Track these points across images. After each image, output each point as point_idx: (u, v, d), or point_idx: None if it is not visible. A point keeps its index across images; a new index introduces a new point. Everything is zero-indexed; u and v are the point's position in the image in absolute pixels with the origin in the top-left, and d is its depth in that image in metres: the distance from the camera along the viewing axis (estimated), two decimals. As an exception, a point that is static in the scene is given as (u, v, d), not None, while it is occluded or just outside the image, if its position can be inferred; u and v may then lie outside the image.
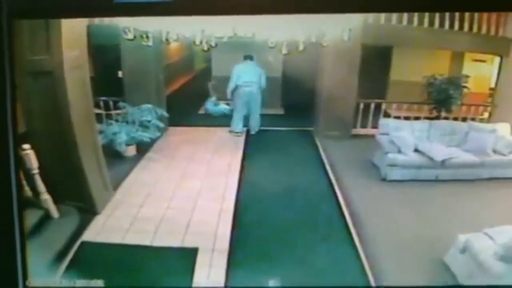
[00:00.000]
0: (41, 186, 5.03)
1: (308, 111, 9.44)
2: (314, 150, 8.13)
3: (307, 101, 9.74)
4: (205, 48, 6.73)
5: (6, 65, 1.83)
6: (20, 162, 4.45)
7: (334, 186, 6.37)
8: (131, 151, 7.61)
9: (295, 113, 10.86)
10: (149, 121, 7.76)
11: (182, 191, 6.20)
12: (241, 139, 8.76)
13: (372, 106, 8.77)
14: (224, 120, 10.40)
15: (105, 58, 9.91)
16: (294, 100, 11.34)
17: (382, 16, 8.65)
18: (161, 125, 7.91)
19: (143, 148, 7.79)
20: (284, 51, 6.55)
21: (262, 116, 10.90)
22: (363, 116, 8.80)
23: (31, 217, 4.78)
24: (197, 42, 6.46)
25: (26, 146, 4.75)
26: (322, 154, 7.88)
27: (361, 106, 8.77)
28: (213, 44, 6.72)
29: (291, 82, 11.54)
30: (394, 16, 8.73)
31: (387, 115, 8.97)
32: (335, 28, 7.02)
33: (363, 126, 8.80)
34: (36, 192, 5.05)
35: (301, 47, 6.69)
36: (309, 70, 10.10)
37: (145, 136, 7.51)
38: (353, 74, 8.27)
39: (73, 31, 4.91)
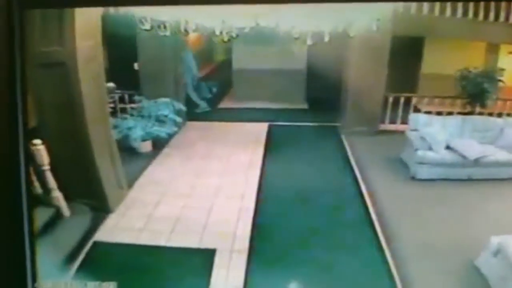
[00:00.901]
0: (52, 183, 5.03)
1: (334, 105, 9.44)
2: (340, 147, 8.07)
3: (333, 95, 9.69)
4: (226, 39, 6.66)
5: (17, 57, 1.78)
6: (30, 157, 4.51)
7: (360, 185, 6.31)
8: (146, 147, 7.63)
9: (320, 107, 10.81)
10: (165, 116, 7.75)
11: (199, 189, 6.17)
12: (263, 135, 8.71)
13: (402, 100, 8.69)
14: (245, 114, 10.40)
15: (120, 50, 9.98)
16: (319, 94, 11.31)
17: (413, 5, 8.52)
18: (179, 119, 7.90)
19: (159, 144, 7.81)
20: (309, 42, 6.43)
21: (286, 110, 10.93)
22: (391, 111, 8.77)
23: (41, 216, 4.77)
24: (217, 33, 6.37)
25: (36, 141, 4.74)
26: (348, 150, 7.82)
27: (390, 100, 8.73)
28: (234, 35, 6.63)
29: (316, 75, 11.51)
30: (426, 5, 8.60)
31: (417, 110, 8.88)
32: (363, 17, 6.87)
33: (392, 121, 8.80)
34: (46, 189, 5.05)
35: (326, 38, 6.57)
36: (335, 62, 10.03)
37: (162, 131, 7.50)
38: (382, 67, 8.20)
39: (87, 21, 4.87)
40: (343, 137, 8.52)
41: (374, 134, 8.55)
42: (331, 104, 9.71)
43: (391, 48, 8.11)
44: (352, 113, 8.57)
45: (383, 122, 8.77)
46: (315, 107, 11.10)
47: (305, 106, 11.45)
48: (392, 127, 8.74)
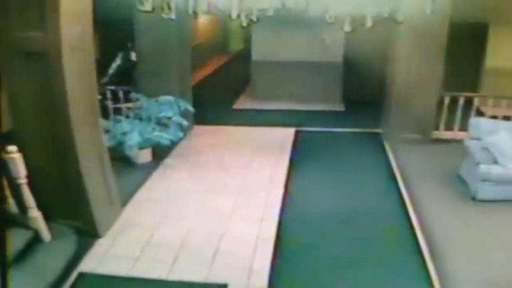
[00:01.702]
0: (29, 199, 5.00)
1: (376, 107, 9.46)
2: (383, 158, 8.05)
3: (376, 94, 9.70)
4: (244, 24, 6.66)
5: None
6: (4, 168, 4.48)
7: (408, 206, 6.24)
8: (145, 156, 7.69)
9: (359, 109, 10.83)
10: (169, 118, 7.78)
11: (209, 210, 6.15)
12: (288, 143, 8.73)
13: (461, 101, 8.61)
14: (266, 117, 10.44)
15: (114, 36, 10.11)
16: (359, 93, 11.33)
17: None
18: (185, 123, 7.91)
19: (160, 153, 7.88)
20: (347, 28, 6.40)
21: (317, 113, 10.95)
22: (448, 115, 8.71)
23: (16, 240, 4.72)
24: (234, 16, 6.38)
25: (11, 148, 4.72)
26: (392, 163, 7.79)
27: (446, 101, 8.67)
28: (254, 19, 6.64)
29: (355, 70, 11.54)
30: None
31: (480, 113, 8.86)
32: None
33: (448, 127, 8.76)
34: (23, 208, 5.04)
35: (369, 23, 6.50)
36: (379, 54, 10.03)
37: (164, 137, 7.51)
38: (438, 60, 8.14)
39: (74, 2, 4.85)
40: (387, 146, 8.52)
41: (426, 143, 8.54)
42: (372, 106, 9.75)
43: (449, 37, 8.06)
44: (399, 117, 8.57)
45: (437, 128, 8.75)
46: (353, 109, 11.15)
47: (341, 107, 11.50)
48: (448, 134, 8.74)
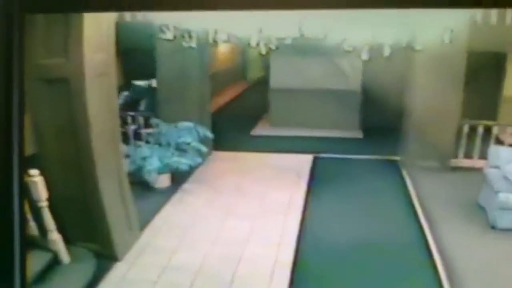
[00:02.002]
0: (50, 222, 5.04)
1: (395, 134, 9.36)
2: (401, 186, 7.97)
3: (393, 122, 9.63)
4: (263, 52, 6.74)
5: (15, 70, 1.78)
6: (26, 191, 4.52)
7: (426, 235, 6.15)
8: (163, 181, 7.71)
9: (377, 137, 10.77)
10: (188, 144, 7.83)
11: (226, 235, 6.14)
12: (305, 169, 8.69)
13: (480, 129, 8.56)
14: (284, 144, 10.43)
15: (136, 64, 10.26)
16: (376, 121, 11.27)
17: (494, 14, 8.48)
18: (204, 148, 7.98)
19: (179, 178, 7.89)
20: (365, 56, 6.43)
21: (335, 140, 10.92)
22: (467, 143, 8.64)
23: (36, 262, 4.77)
24: (253, 44, 6.46)
25: (33, 171, 4.79)
26: (411, 191, 7.71)
27: (465, 129, 8.61)
28: (273, 47, 6.70)
29: (373, 97, 11.49)
30: (510, 13, 8.49)
31: (499, 142, 8.75)
32: (433, 28, 6.85)
33: (467, 155, 8.67)
34: (43, 230, 5.08)
35: (387, 52, 6.54)
36: (397, 82, 10.00)
37: (183, 162, 7.54)
38: (456, 88, 8.10)
39: (98, 30, 4.98)
40: (405, 174, 8.45)
41: (445, 171, 8.46)
42: (390, 133, 9.66)
43: (467, 66, 8.05)
44: (417, 145, 8.50)
45: (456, 156, 8.66)
46: (371, 136, 11.10)
47: (358, 135, 11.44)
48: (467, 162, 8.64)
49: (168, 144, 7.82)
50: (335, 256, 5.64)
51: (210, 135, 8.44)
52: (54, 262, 5.03)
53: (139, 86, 10.44)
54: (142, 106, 9.98)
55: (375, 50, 6.87)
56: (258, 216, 6.68)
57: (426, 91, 8.25)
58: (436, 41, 6.70)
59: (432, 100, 8.20)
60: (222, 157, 9.41)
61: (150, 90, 10.26)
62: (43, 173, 4.83)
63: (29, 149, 4.93)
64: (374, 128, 11.20)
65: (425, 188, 7.67)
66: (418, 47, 7.27)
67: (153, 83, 9.55)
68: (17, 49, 1.69)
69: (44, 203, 4.91)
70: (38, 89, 4.85)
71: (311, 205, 7.08)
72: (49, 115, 4.97)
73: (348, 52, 7.02)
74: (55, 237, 5.07)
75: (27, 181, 4.63)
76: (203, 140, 8.09)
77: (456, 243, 5.89)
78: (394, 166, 8.89)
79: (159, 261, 5.44)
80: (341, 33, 6.83)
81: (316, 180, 8.17)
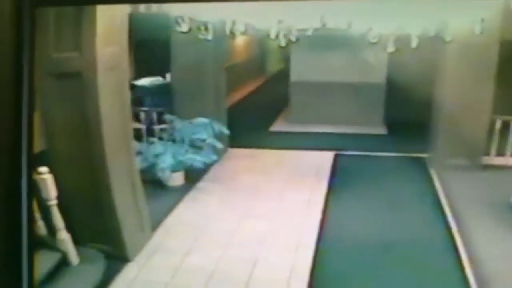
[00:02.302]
0: (59, 221, 5.09)
1: (421, 130, 9.25)
2: (428, 185, 7.93)
3: (420, 117, 9.53)
4: (283, 44, 6.73)
5: (25, 64, 1.82)
6: (34, 189, 4.57)
7: (455, 239, 6.09)
8: (177, 179, 7.77)
9: (402, 133, 10.70)
10: (203, 140, 7.88)
11: (242, 236, 6.17)
12: (326, 167, 8.68)
13: None
14: (303, 141, 10.44)
15: (150, 57, 10.33)
16: (402, 116, 11.18)
17: None
18: (219, 145, 8.02)
19: (193, 176, 7.95)
20: (391, 48, 6.39)
21: (357, 136, 10.90)
22: (500, 139, 8.57)
23: (44, 262, 4.83)
24: (272, 36, 6.46)
25: (43, 169, 4.83)
26: (439, 191, 7.66)
27: (498, 125, 8.53)
28: (293, 39, 6.70)
29: (398, 91, 11.40)
30: None
31: None
32: (463, 17, 6.79)
33: (500, 153, 8.61)
34: (52, 229, 5.13)
35: (414, 43, 6.49)
36: (424, 75, 9.90)
37: (197, 160, 7.60)
38: (488, 81, 7.99)
39: (110, 22, 5.01)
40: (432, 173, 8.40)
41: (475, 169, 8.36)
42: (417, 129, 9.56)
43: (500, 57, 7.92)
44: (446, 141, 8.41)
45: (487, 153, 8.58)
46: (396, 133, 11.04)
47: (383, 131, 11.40)
48: (500, 160, 8.58)
49: (182, 141, 7.86)
50: (356, 259, 5.62)
51: (226, 131, 8.48)
52: (63, 263, 5.08)
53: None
54: (148, 103, 10.00)
55: (401, 41, 6.82)
56: (276, 216, 6.70)
57: (455, 84, 8.12)
58: (467, 31, 6.63)
59: (462, 93, 8.08)
60: (239, 154, 9.46)
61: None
62: (52, 171, 4.87)
63: (38, 146, 5.03)
64: (400, 123, 11.10)
65: (454, 188, 7.58)
66: (447, 38, 7.20)
67: (168, 77, 9.59)
68: (28, 44, 1.73)
69: (53, 202, 4.95)
70: (48, 85, 4.91)
71: (332, 205, 7.08)
72: (60, 111, 5.04)
73: (373, 43, 6.98)
74: (64, 237, 5.11)
75: (36, 179, 4.67)
76: (218, 137, 8.12)
77: (486, 245, 5.81)
78: (421, 164, 8.85)
79: (171, 263, 5.48)
80: (366, 23, 6.79)
81: (337, 179, 8.16)
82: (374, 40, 6.87)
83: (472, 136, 8.26)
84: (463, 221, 6.46)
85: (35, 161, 4.72)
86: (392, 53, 6.92)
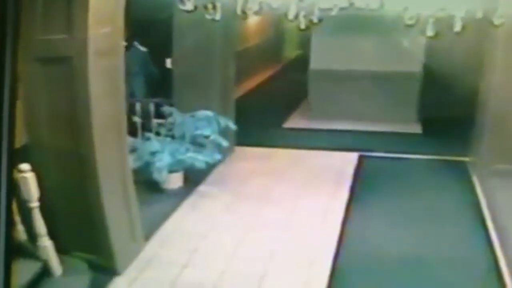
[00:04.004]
0: (40, 226, 5.13)
1: (463, 130, 9.26)
2: (469, 194, 7.99)
3: (462, 113, 9.54)
4: (303, 26, 6.78)
5: (7, 47, 1.94)
6: (14, 189, 4.61)
7: (497, 255, 6.15)
8: (175, 181, 7.89)
9: (440, 132, 10.68)
10: (206, 137, 7.95)
11: (248, 248, 6.26)
12: (349, 171, 8.79)
13: None
14: (323, 139, 10.45)
15: (149, 39, 10.32)
16: (440, 112, 11.17)
17: None
18: (224, 143, 8.06)
19: (194, 178, 8.08)
20: (430, 32, 6.44)
21: (386, 135, 10.97)
22: None
23: (23, 272, 4.86)
24: (291, 17, 6.52)
25: (24, 166, 4.88)
26: (481, 200, 7.71)
27: None
28: (315, 20, 6.75)
29: (437, 82, 11.36)
30: None
31: None
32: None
33: None
34: (33, 235, 5.18)
35: (457, 27, 6.51)
36: (469, 64, 9.91)
37: (199, 159, 7.64)
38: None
39: (106, 0, 5.10)
40: (474, 179, 8.45)
41: None
42: (458, 128, 9.57)
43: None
44: (493, 143, 8.32)
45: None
46: (432, 132, 11.05)
47: (417, 129, 11.41)
48: (556, 167, 8.52)
49: (183, 137, 7.94)
50: (380, 280, 5.68)
51: (233, 126, 8.51)
52: (44, 274, 5.17)
53: None
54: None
55: (442, 24, 6.79)
56: (288, 227, 6.78)
57: (506, 75, 8.04)
58: None
59: None
60: (247, 154, 9.58)
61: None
62: (35, 169, 4.94)
63: (20, 140, 5.00)
64: (437, 120, 11.12)
65: (500, 198, 7.44)
66: (497, 21, 7.17)
67: (168, 63, 9.58)
68: (11, 25, 1.86)
69: (35, 204, 5.02)
70: (33, 71, 5.01)
71: (353, 215, 7.14)
72: (46, 101, 5.15)
73: (409, 26, 6.98)
74: (46, 244, 5.18)
75: (16, 177, 4.73)
76: (224, 133, 8.18)
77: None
78: (462, 169, 8.92)
79: (167, 277, 5.57)
80: (401, 2, 6.80)
81: (361, 185, 8.23)
82: (410, 22, 6.89)
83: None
84: (508, 238, 6.39)
85: (16, 157, 4.83)
86: (431, 37, 6.92)
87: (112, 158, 5.47)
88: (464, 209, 7.53)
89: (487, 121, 8.54)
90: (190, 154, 7.68)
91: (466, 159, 9.19)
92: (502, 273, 5.80)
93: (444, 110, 11.11)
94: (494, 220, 7.02)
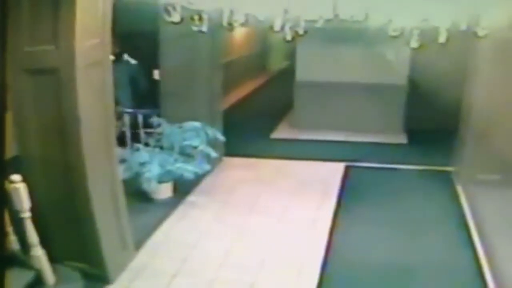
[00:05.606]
0: (33, 236, 5.15)
1: (447, 140, 9.38)
2: (454, 204, 8.04)
3: (447, 124, 9.64)
4: (288, 38, 6.80)
5: None
6: (6, 199, 4.62)
7: (482, 266, 6.17)
8: (165, 191, 7.91)
9: (425, 142, 10.80)
10: (194, 147, 7.98)
11: (236, 257, 6.28)
12: (335, 181, 8.83)
13: None
14: (310, 150, 10.50)
15: (136, 51, 10.34)
16: (425, 122, 11.28)
17: None
18: (213, 154, 8.11)
19: (183, 188, 8.10)
20: (415, 43, 6.47)
21: (372, 145, 11.02)
22: None
23: (16, 281, 4.88)
24: (277, 28, 6.54)
25: (16, 177, 4.91)
26: (466, 211, 7.76)
27: None
28: (300, 31, 6.78)
29: (422, 94, 11.45)
30: None
31: None
32: (500, 7, 6.86)
33: None
34: (25, 245, 5.20)
35: (442, 38, 6.55)
36: (453, 76, 9.99)
37: (188, 169, 7.67)
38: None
39: (92, 11, 5.09)
40: (459, 189, 8.50)
41: (510, 187, 8.19)
42: (442, 138, 9.65)
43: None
44: (478, 153, 8.38)
45: (526, 169, 8.60)
46: (417, 142, 11.17)
47: (402, 139, 11.48)
48: (541, 177, 8.60)
49: (171, 148, 7.96)
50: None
51: (221, 137, 8.58)
52: (37, 283, 5.17)
53: None
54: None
55: (427, 36, 6.81)
56: (276, 236, 6.83)
57: (489, 86, 8.11)
58: (505, 24, 6.66)
59: (498, 97, 7.97)
60: (235, 164, 9.61)
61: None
62: (26, 179, 4.97)
63: (10, 151, 5.10)
64: (422, 131, 11.25)
65: (485, 208, 7.47)
66: (481, 32, 7.20)
67: (156, 74, 9.58)
68: None
69: (26, 214, 5.03)
70: (22, 82, 5.02)
71: (341, 224, 7.18)
72: (35, 112, 5.15)
73: (393, 37, 7.01)
74: (39, 253, 5.20)
75: (7, 188, 4.75)
76: (212, 144, 8.22)
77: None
78: (446, 179, 8.98)
79: (157, 286, 5.60)
80: (386, 14, 6.84)
81: (348, 195, 8.28)
82: (394, 34, 6.92)
83: (507, 147, 8.27)
84: (492, 247, 6.43)
85: (7, 168, 4.81)
86: (415, 49, 6.95)
87: (102, 169, 5.48)
88: (449, 217, 7.58)
89: (470, 131, 8.62)
90: (179, 165, 7.71)
91: (451, 169, 9.26)
92: (486, 281, 5.86)
93: (429, 121, 11.21)
94: (478, 228, 7.07)
